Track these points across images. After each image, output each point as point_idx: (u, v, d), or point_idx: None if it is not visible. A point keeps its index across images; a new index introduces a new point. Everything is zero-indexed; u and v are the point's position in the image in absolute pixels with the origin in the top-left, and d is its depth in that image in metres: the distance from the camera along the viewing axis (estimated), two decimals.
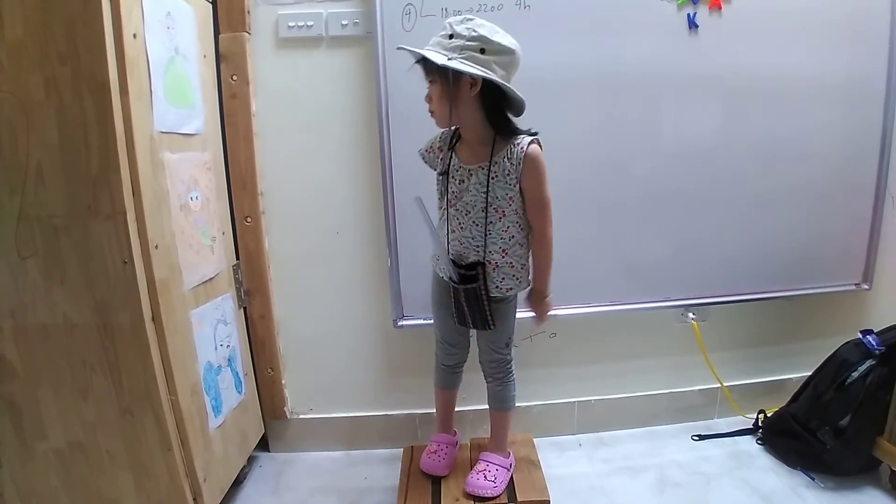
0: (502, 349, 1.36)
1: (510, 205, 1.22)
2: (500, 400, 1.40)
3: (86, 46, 0.99)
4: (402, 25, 1.42)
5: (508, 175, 1.19)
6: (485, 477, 1.36)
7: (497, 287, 1.26)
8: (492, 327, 1.28)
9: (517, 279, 1.28)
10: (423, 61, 1.15)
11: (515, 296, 1.32)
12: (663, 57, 1.51)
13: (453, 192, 1.24)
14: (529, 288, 1.33)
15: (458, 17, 1.14)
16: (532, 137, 1.20)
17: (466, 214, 1.23)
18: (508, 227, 1.23)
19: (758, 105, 1.57)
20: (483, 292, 1.23)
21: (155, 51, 1.13)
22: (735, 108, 1.56)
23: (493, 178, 1.20)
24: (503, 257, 1.25)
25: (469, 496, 1.34)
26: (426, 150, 1.31)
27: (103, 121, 1.02)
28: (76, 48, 0.99)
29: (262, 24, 1.49)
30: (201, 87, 1.35)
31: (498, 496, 1.34)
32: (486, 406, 1.44)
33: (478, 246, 1.24)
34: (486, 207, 1.21)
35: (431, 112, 1.19)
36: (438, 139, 1.29)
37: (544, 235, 1.27)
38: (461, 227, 1.25)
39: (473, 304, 1.25)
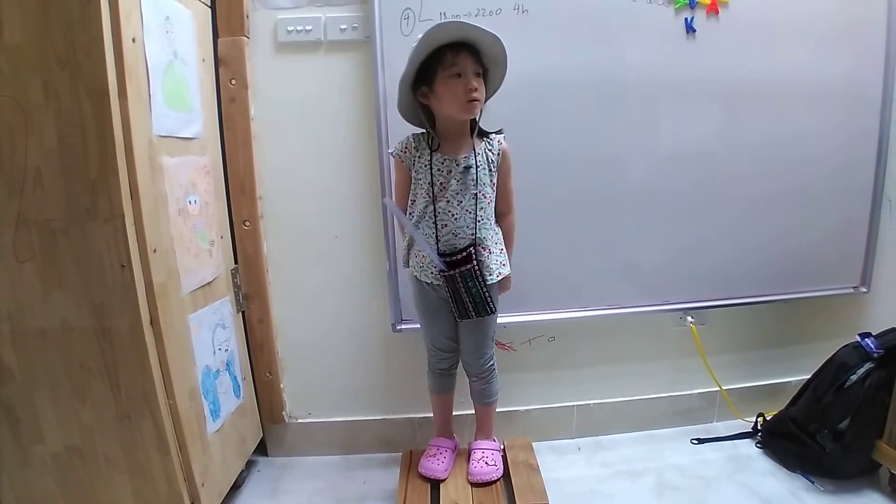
0: (489, 344, 1.43)
1: (492, 190, 1.32)
2: (486, 395, 1.47)
3: (85, 51, 0.99)
4: (401, 29, 1.43)
5: (491, 164, 1.31)
6: (486, 463, 1.44)
7: (492, 273, 1.31)
8: (493, 310, 1.32)
9: (505, 259, 1.36)
10: (477, 53, 1.21)
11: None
12: (661, 61, 1.52)
13: (440, 183, 1.28)
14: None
15: None
16: (503, 135, 1.34)
17: (459, 204, 1.28)
18: (490, 212, 1.33)
19: (755, 109, 1.57)
20: (478, 271, 1.28)
21: (154, 55, 1.14)
22: (733, 112, 1.57)
23: (479, 166, 1.29)
24: (493, 241, 1.33)
25: (475, 485, 1.41)
26: (402, 151, 1.33)
27: (102, 125, 1.02)
28: (75, 52, 1.00)
29: (260, 29, 1.49)
30: (200, 91, 1.36)
31: (500, 477, 1.44)
32: None
33: (470, 233, 1.29)
34: (477, 194, 1.29)
35: (475, 101, 1.21)
36: (412, 141, 1.32)
37: (512, 218, 1.40)
38: (454, 219, 1.29)
39: (471, 287, 1.28)
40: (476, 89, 1.20)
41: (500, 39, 1.19)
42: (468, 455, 1.49)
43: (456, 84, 1.20)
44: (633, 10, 1.48)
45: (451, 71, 1.20)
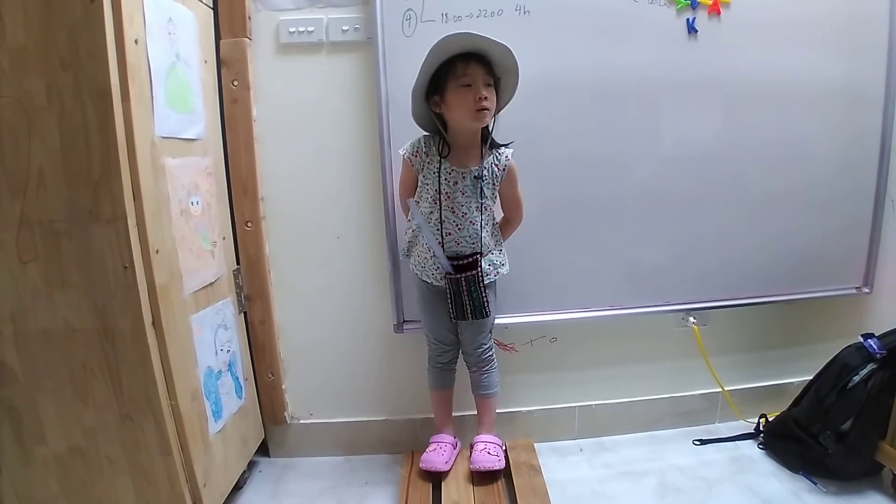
0: (488, 336, 1.47)
1: (494, 202, 1.38)
2: (486, 386, 1.50)
3: (87, 52, 1.00)
4: (403, 31, 1.43)
5: (495, 178, 1.35)
6: (488, 453, 1.44)
7: (489, 274, 1.37)
8: (488, 313, 1.38)
9: (504, 259, 1.42)
10: (487, 63, 1.23)
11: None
12: (663, 62, 1.51)
13: (446, 192, 1.31)
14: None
15: None
16: (512, 149, 1.36)
17: (463, 216, 1.32)
18: (491, 220, 1.38)
19: (757, 109, 1.57)
20: (481, 278, 1.33)
21: (156, 56, 1.14)
22: (735, 113, 1.57)
23: (483, 180, 1.32)
24: (494, 245, 1.39)
25: (477, 473, 1.43)
26: (413, 155, 1.35)
27: (104, 126, 1.02)
28: (78, 54, 1.00)
29: (262, 30, 1.49)
30: (202, 92, 1.36)
31: (502, 468, 1.45)
32: None
33: (474, 242, 1.34)
34: (481, 207, 1.33)
35: (485, 109, 1.24)
36: (423, 144, 1.34)
37: (516, 225, 1.46)
38: (458, 229, 1.33)
39: (473, 291, 1.34)
40: (486, 98, 1.23)
41: (510, 50, 1.22)
42: (470, 448, 1.49)
43: (466, 93, 1.23)
44: (634, 11, 1.48)
45: (461, 81, 1.23)
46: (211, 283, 1.36)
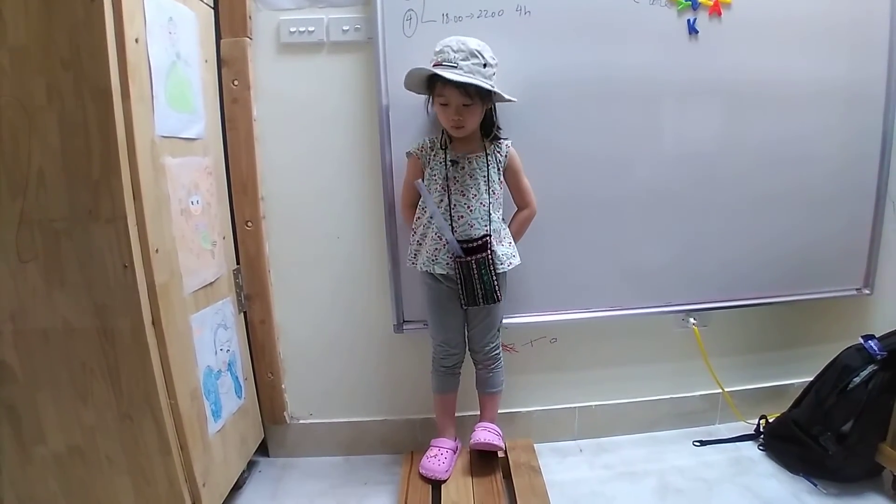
0: (496, 335, 1.48)
1: (500, 188, 1.41)
2: (492, 384, 1.52)
3: (88, 51, 1.00)
4: (404, 31, 1.43)
5: (499, 163, 1.40)
6: (489, 432, 1.47)
7: (503, 262, 1.38)
8: (500, 298, 1.39)
9: (515, 251, 1.43)
10: (464, 86, 1.25)
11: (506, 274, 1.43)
12: (664, 62, 1.51)
13: (454, 177, 1.36)
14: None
15: (472, 41, 1.26)
16: (510, 140, 1.42)
17: (474, 197, 1.36)
18: (500, 206, 1.41)
19: (758, 109, 1.57)
20: (491, 260, 1.35)
21: (157, 56, 1.14)
22: (735, 113, 1.57)
23: (489, 163, 1.37)
24: (505, 233, 1.41)
25: (478, 449, 1.47)
26: (419, 149, 1.40)
27: (105, 125, 1.02)
28: (78, 53, 1.00)
29: (263, 30, 1.49)
30: (203, 91, 1.36)
31: (502, 448, 1.50)
32: None
33: (485, 224, 1.36)
34: (489, 188, 1.36)
35: (460, 127, 1.31)
36: (428, 142, 1.40)
37: (528, 213, 1.47)
38: (470, 211, 1.36)
39: (484, 275, 1.35)
40: (459, 118, 1.30)
41: (469, 83, 1.23)
42: (471, 434, 1.49)
43: (444, 110, 1.32)
44: (635, 12, 1.48)
45: (439, 100, 1.31)
46: (211, 283, 1.36)
